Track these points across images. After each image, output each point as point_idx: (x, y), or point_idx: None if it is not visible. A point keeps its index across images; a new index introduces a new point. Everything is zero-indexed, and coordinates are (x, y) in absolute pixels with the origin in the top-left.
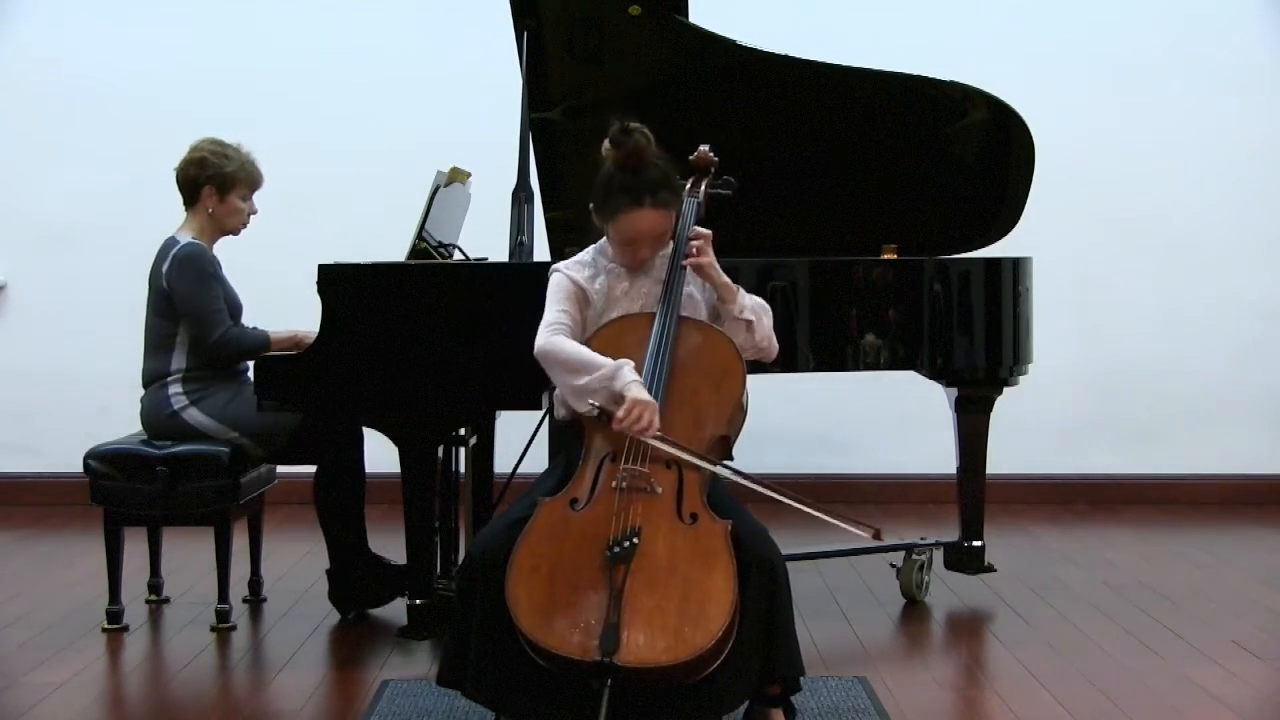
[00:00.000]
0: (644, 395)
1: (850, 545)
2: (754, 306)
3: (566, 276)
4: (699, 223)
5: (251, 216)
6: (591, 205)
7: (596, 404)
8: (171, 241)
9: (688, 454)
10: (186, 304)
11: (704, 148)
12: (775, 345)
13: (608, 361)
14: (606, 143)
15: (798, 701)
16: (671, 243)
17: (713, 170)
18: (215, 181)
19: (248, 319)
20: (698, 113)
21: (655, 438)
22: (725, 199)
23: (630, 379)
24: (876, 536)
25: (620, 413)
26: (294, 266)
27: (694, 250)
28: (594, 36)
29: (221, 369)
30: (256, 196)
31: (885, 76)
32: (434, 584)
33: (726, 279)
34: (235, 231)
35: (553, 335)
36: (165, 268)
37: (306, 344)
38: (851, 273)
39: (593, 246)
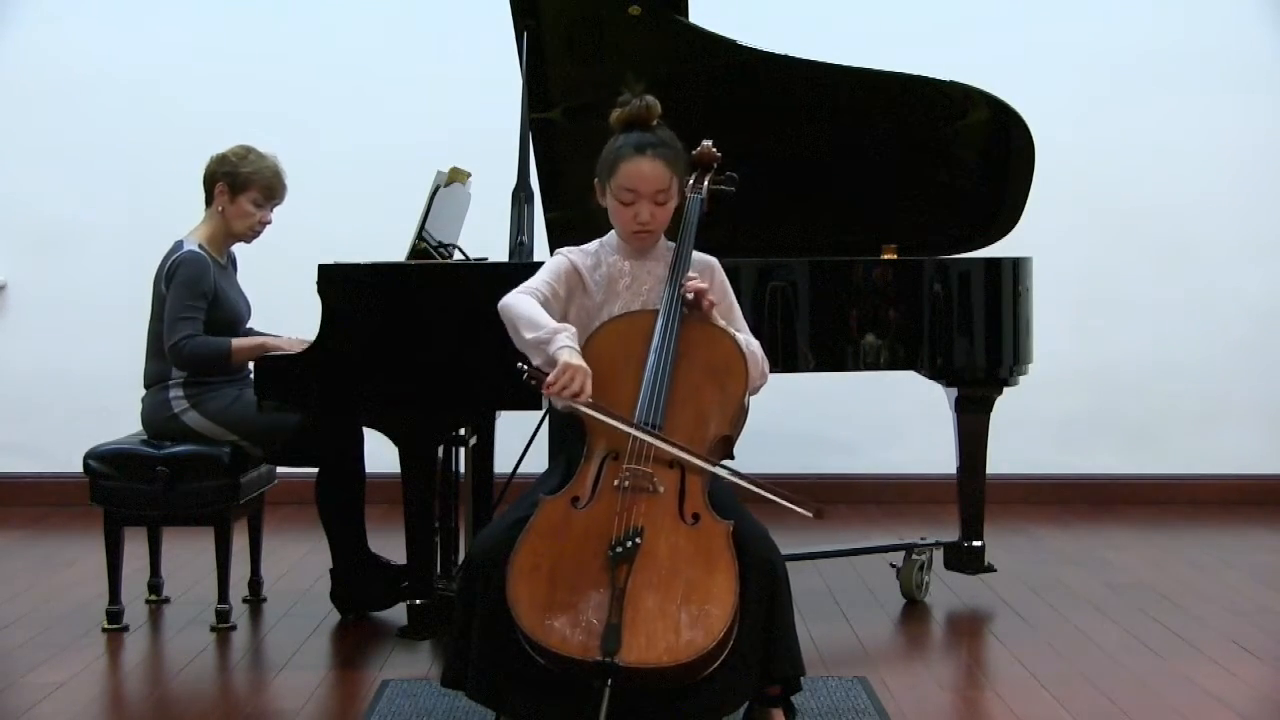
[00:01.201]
0: (576, 360)
1: (850, 545)
2: (744, 344)
3: (566, 258)
4: (702, 218)
5: (265, 227)
6: (596, 180)
7: (524, 366)
8: (176, 246)
9: (678, 449)
10: (166, 306)
11: (707, 143)
12: (760, 381)
13: (552, 323)
14: (615, 109)
15: (798, 701)
16: (672, 245)
17: (715, 165)
18: (228, 180)
19: (251, 320)
20: (698, 113)
21: (647, 432)
22: (728, 195)
23: (564, 344)
24: (818, 515)
25: (551, 377)
26: (294, 266)
27: (691, 291)
28: (594, 36)
29: (218, 372)
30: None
31: (885, 76)
32: (434, 584)
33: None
34: (244, 237)
35: (519, 293)
36: (164, 272)
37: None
38: (851, 273)
39: (598, 240)
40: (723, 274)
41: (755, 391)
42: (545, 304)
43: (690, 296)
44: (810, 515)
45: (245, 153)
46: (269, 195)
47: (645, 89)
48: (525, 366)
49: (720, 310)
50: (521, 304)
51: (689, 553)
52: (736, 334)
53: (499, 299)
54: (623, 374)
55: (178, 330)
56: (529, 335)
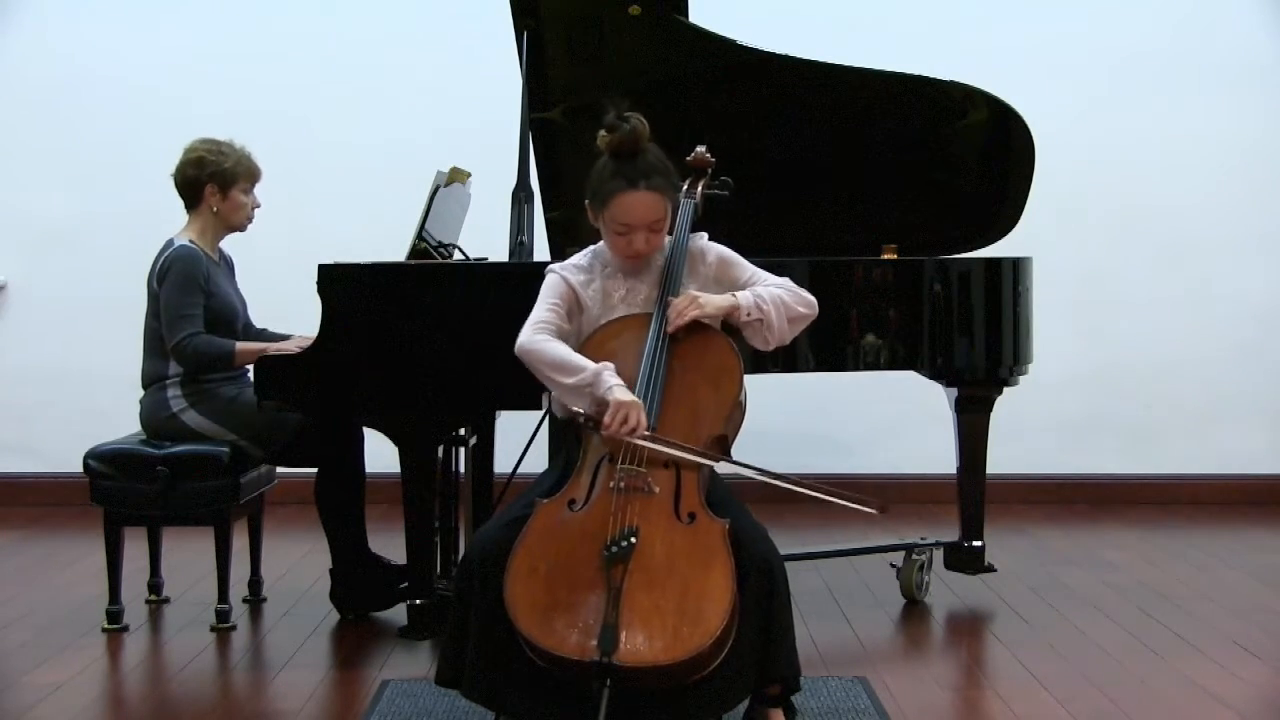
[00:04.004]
0: (627, 396)
1: (850, 545)
2: (753, 303)
3: (561, 278)
4: (695, 223)
5: (255, 210)
6: (586, 201)
7: (582, 411)
8: (168, 244)
9: (681, 450)
10: (162, 305)
11: (700, 149)
12: (804, 309)
13: (589, 364)
14: (602, 130)
15: (798, 701)
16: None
17: (709, 171)
18: (216, 179)
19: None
20: (698, 113)
21: (645, 438)
22: (722, 199)
23: (611, 383)
24: (882, 510)
25: (607, 418)
26: (294, 266)
27: (674, 315)
28: (594, 36)
29: (220, 371)
30: (257, 190)
31: (885, 76)
32: (434, 584)
33: (719, 304)
34: (242, 227)
35: (536, 334)
36: (157, 269)
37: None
38: (851, 273)
39: (590, 249)
40: (717, 249)
41: (807, 322)
42: (561, 336)
43: (672, 330)
44: (875, 512)
45: (216, 147)
46: (253, 180)
47: (630, 105)
48: (584, 415)
49: (727, 281)
50: (547, 347)
51: (685, 551)
52: (748, 322)
53: (499, 299)
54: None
55: (180, 329)
56: (568, 381)
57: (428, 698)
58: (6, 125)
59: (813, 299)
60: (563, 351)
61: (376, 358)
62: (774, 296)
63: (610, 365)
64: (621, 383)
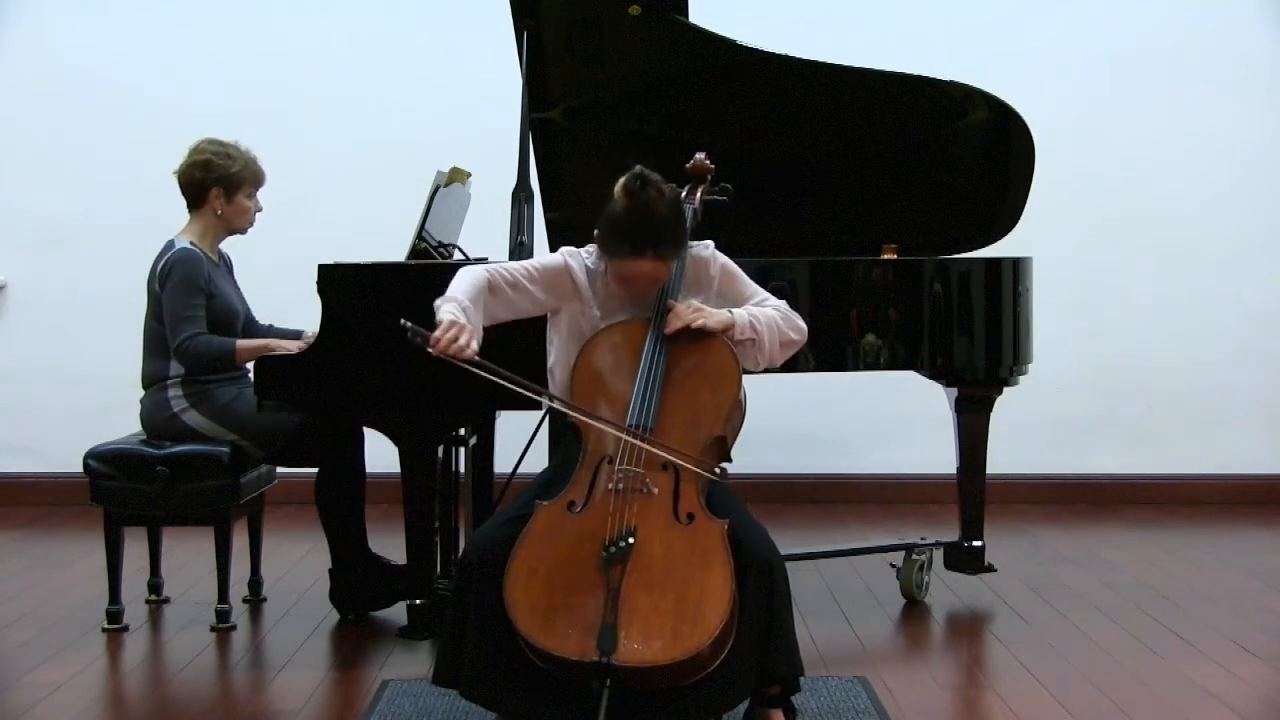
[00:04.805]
0: (459, 318)
1: (850, 545)
2: (748, 323)
3: (565, 260)
4: (695, 229)
5: (257, 214)
6: (595, 233)
7: (406, 323)
8: (169, 245)
9: (666, 451)
10: (164, 308)
11: (700, 155)
12: (795, 335)
13: (458, 295)
14: (620, 186)
15: (798, 701)
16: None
17: (709, 177)
18: (222, 183)
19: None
20: (697, 113)
21: (640, 438)
22: (721, 205)
23: (450, 309)
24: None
25: (437, 333)
26: (294, 266)
27: (674, 319)
28: (594, 36)
29: (221, 371)
30: (260, 193)
31: (885, 76)
32: (434, 584)
33: (718, 319)
34: (243, 230)
35: (480, 270)
36: (158, 271)
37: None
38: (851, 273)
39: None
40: (721, 260)
41: (796, 348)
42: (496, 289)
43: (669, 332)
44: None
45: (224, 150)
46: (258, 184)
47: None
48: (408, 324)
49: (729, 295)
50: (464, 276)
51: (684, 552)
52: (741, 340)
53: None
54: (617, 379)
55: (182, 330)
56: (439, 300)
57: (428, 698)
58: (6, 125)
59: (804, 325)
60: (463, 283)
61: (376, 358)
62: (768, 318)
63: (466, 305)
64: (461, 314)
